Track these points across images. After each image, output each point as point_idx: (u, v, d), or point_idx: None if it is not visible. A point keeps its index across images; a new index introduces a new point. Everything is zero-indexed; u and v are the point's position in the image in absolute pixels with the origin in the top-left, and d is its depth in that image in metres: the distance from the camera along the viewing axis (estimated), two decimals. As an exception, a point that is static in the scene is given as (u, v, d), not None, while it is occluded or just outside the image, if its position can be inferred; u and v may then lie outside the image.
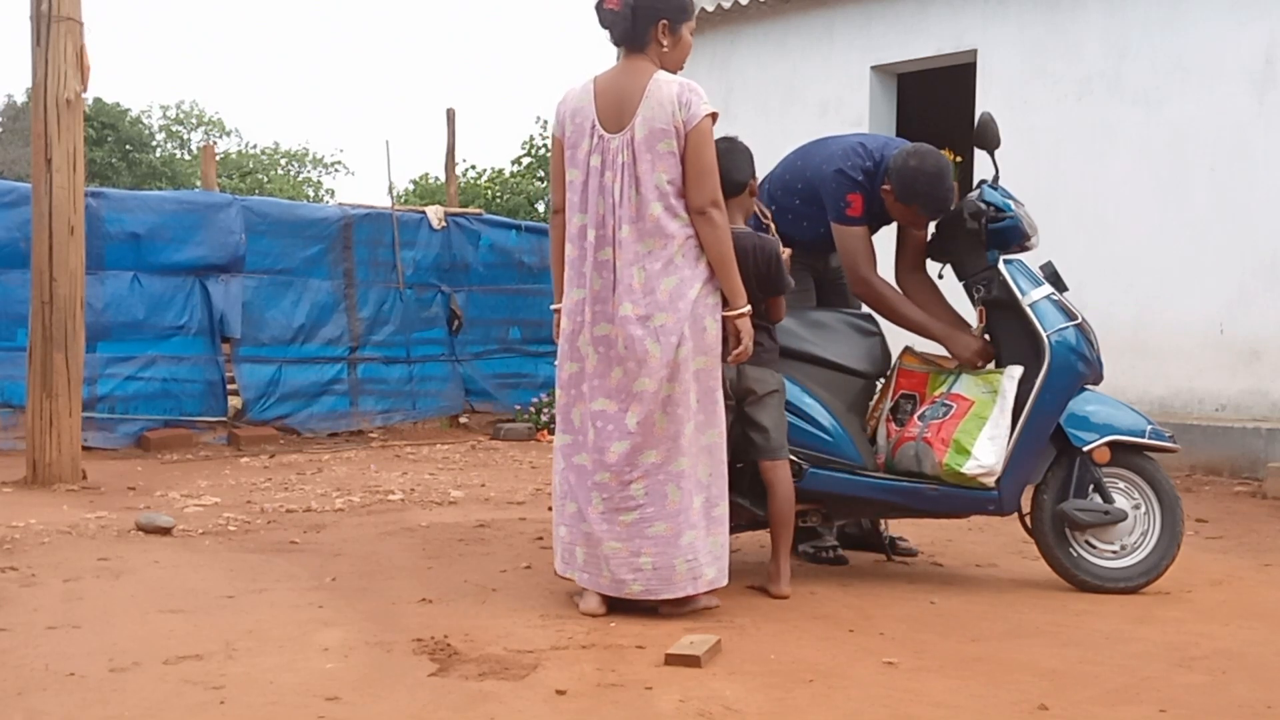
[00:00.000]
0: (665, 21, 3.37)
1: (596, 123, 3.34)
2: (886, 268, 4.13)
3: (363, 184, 49.33)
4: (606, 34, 3.44)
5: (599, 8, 3.39)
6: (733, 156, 3.61)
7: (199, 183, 11.82)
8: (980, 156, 7.90)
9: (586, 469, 3.34)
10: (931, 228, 4.01)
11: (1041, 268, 3.83)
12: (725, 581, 3.38)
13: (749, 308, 3.40)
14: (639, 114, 3.30)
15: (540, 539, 4.49)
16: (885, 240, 4.20)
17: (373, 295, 8.43)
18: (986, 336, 3.91)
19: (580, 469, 3.35)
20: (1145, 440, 3.70)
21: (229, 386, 7.77)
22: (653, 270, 3.30)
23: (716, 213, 3.31)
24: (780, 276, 3.58)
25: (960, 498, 3.67)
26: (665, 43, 3.39)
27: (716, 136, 3.45)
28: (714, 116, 3.33)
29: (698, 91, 3.31)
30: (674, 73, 3.40)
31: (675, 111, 3.28)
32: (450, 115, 9.79)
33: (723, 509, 3.39)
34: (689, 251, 3.33)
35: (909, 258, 4.13)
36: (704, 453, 3.35)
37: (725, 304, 3.40)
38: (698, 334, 3.32)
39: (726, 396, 3.55)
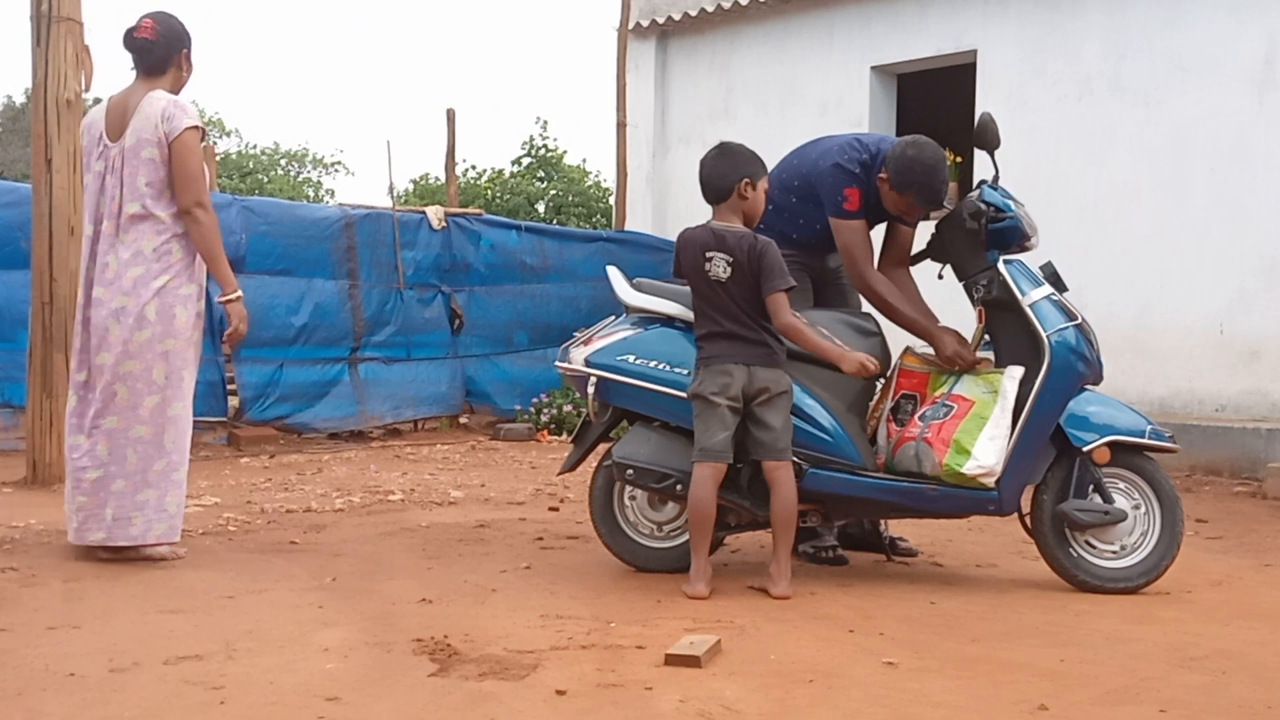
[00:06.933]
0: (187, 50, 3.98)
1: (104, 134, 3.88)
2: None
3: (363, 184, 49.29)
4: (133, 60, 3.92)
5: (129, 36, 3.89)
6: (717, 163, 3.68)
7: (199, 183, 11.79)
8: (980, 156, 7.90)
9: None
10: (931, 228, 4.02)
11: (1041, 268, 3.83)
12: (176, 538, 3.91)
13: (238, 293, 3.91)
14: (131, 125, 3.83)
15: (540, 539, 4.49)
16: (876, 237, 4.22)
17: (374, 296, 8.42)
18: (987, 337, 3.91)
19: (75, 430, 3.86)
20: (1145, 440, 3.70)
21: (229, 387, 7.76)
22: (123, 259, 3.80)
23: (200, 212, 3.82)
24: (775, 272, 3.58)
25: (960, 498, 3.67)
26: (185, 69, 3.99)
27: (712, 144, 3.70)
28: (199, 130, 3.85)
29: (183, 108, 3.84)
30: (177, 94, 3.94)
31: (159, 124, 3.80)
32: (450, 115, 9.80)
33: (182, 474, 3.90)
34: (163, 246, 3.83)
35: (894, 254, 4.17)
36: (169, 423, 3.85)
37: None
38: (165, 319, 3.81)
39: (734, 398, 3.57)
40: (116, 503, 3.82)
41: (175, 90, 3.97)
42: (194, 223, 3.84)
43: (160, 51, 3.92)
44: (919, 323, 3.98)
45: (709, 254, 3.61)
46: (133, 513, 3.83)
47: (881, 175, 3.93)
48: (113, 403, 3.81)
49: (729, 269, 3.59)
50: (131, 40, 3.92)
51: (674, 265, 3.74)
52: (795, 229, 4.12)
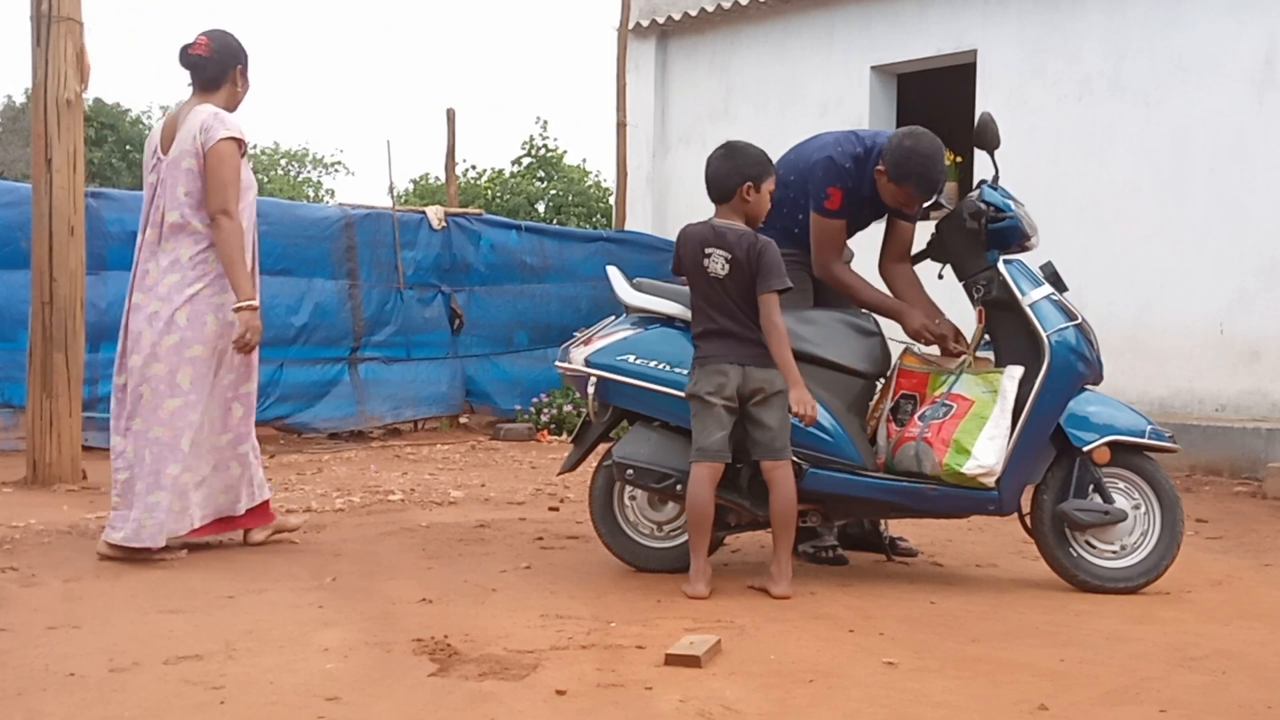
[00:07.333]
0: (241, 66, 4.07)
1: (158, 147, 4.01)
2: (873, 259, 4.22)
3: (363, 184, 49.33)
4: (189, 75, 4.03)
5: (184, 52, 4.00)
6: (722, 163, 3.68)
7: (199, 183, 11.79)
8: (980, 156, 7.90)
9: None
10: (931, 228, 4.02)
11: (1041, 268, 3.83)
12: (161, 544, 3.89)
13: (254, 303, 3.93)
14: (177, 138, 3.95)
15: (540, 539, 4.49)
16: (875, 233, 4.23)
17: (374, 296, 8.42)
18: (987, 337, 3.92)
19: (114, 431, 3.99)
20: (1145, 440, 3.70)
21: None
22: (161, 266, 3.92)
23: (224, 219, 3.88)
24: (772, 272, 3.58)
25: (960, 498, 3.67)
26: (240, 85, 4.09)
27: (719, 143, 3.71)
28: (238, 142, 3.93)
29: (223, 120, 3.93)
30: (233, 111, 4.05)
31: (196, 135, 3.91)
32: (450, 115, 9.79)
33: (192, 478, 3.95)
34: (199, 255, 3.93)
35: (894, 249, 4.18)
36: (189, 428, 3.90)
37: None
38: (196, 326, 3.90)
39: (729, 398, 3.57)
40: (138, 504, 3.87)
41: (231, 106, 4.06)
42: (217, 229, 3.90)
43: (213, 68, 4.01)
44: (886, 303, 4.06)
45: (708, 250, 3.61)
46: (143, 515, 3.85)
47: (879, 168, 3.93)
48: (139, 404, 3.90)
49: (727, 266, 3.59)
50: (186, 57, 4.01)
51: (673, 262, 3.74)
52: (795, 224, 4.12)
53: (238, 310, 3.93)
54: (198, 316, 3.91)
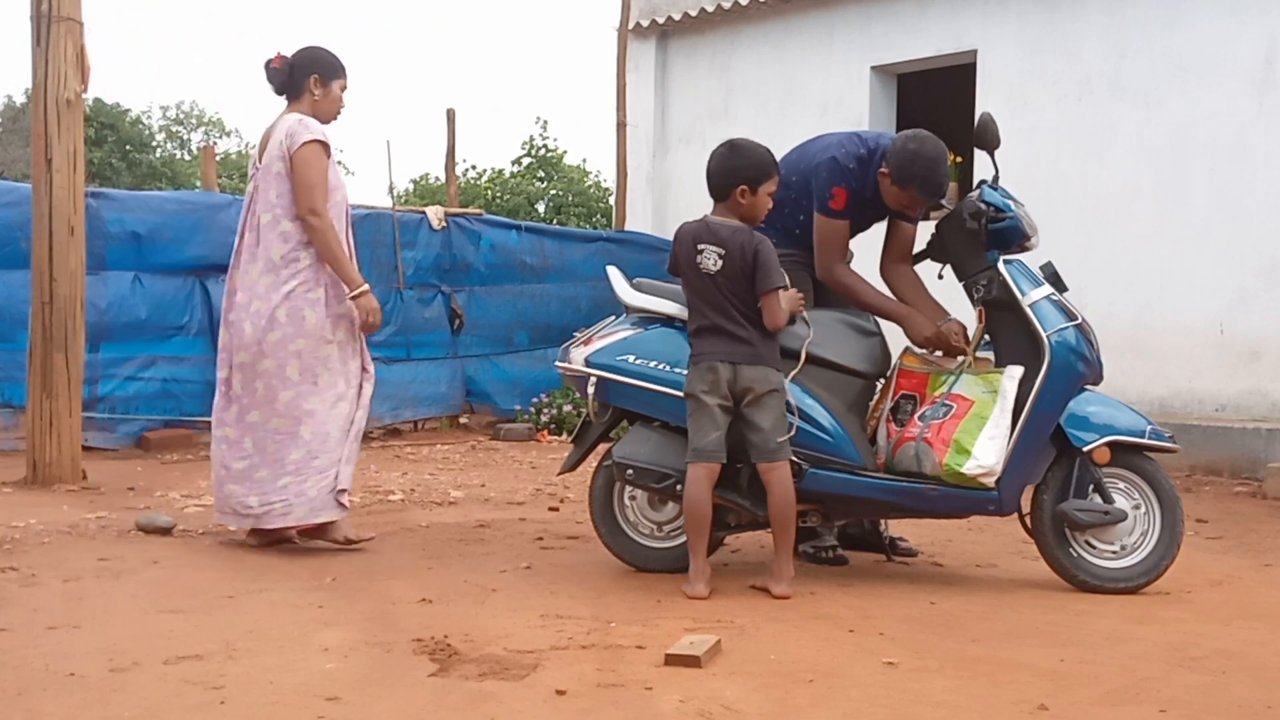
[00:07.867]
0: (316, 76, 4.19)
1: (256, 157, 4.23)
2: (874, 260, 4.21)
3: (363, 184, 49.34)
4: (270, 87, 4.22)
5: (266, 66, 4.20)
6: (723, 161, 3.68)
7: (199, 183, 11.79)
8: (980, 156, 7.90)
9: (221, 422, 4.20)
10: (931, 228, 4.02)
11: (1041, 268, 3.83)
12: (315, 520, 4.11)
13: (365, 288, 4.18)
14: (269, 144, 4.14)
15: (540, 539, 4.49)
16: (876, 234, 4.22)
17: (374, 295, 8.40)
18: (987, 337, 3.92)
19: (220, 424, 4.19)
20: (1145, 440, 3.70)
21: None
22: (258, 267, 4.11)
23: (314, 219, 4.08)
24: (770, 270, 3.58)
25: (960, 498, 3.67)
26: (317, 94, 4.21)
27: (720, 142, 3.73)
28: (322, 145, 4.09)
29: (307, 125, 4.10)
30: (327, 121, 4.23)
31: (283, 141, 4.09)
32: (450, 115, 9.78)
33: (323, 460, 4.10)
34: (290, 254, 4.09)
35: (895, 250, 4.17)
36: (306, 416, 4.08)
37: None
38: (295, 321, 4.06)
39: (724, 397, 3.57)
40: (260, 490, 4.07)
41: (316, 114, 4.21)
42: (310, 230, 4.10)
43: (281, 77, 4.20)
44: (889, 307, 4.05)
45: (700, 245, 3.62)
46: (274, 498, 4.06)
47: (882, 170, 3.93)
48: (254, 398, 4.10)
49: (720, 261, 3.59)
50: (265, 68, 4.23)
51: (669, 260, 3.74)
52: (796, 224, 4.12)
53: (353, 299, 4.13)
54: (295, 312, 4.07)
